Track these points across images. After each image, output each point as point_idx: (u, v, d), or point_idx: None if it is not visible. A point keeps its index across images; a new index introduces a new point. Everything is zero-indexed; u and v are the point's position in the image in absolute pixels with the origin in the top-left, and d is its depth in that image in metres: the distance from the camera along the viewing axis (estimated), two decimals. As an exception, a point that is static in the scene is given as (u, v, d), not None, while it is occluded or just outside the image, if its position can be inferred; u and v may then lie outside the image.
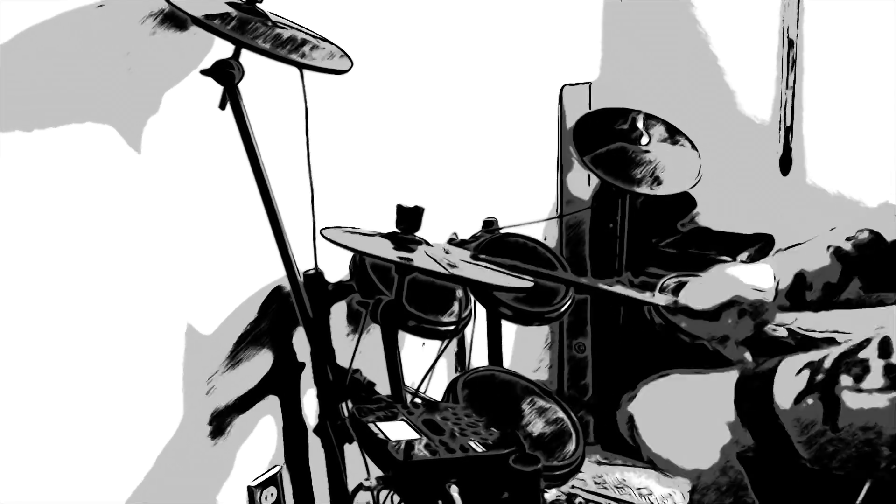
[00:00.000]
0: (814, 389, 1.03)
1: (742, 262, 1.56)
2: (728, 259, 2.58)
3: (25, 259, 1.46)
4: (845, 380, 1.01)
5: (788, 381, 1.06)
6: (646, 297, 1.61)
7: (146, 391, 1.69)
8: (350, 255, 1.84)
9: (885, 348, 1.01)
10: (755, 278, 1.48)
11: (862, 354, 1.02)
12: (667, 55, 2.85)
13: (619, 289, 1.62)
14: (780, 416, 1.05)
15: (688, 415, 1.17)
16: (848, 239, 1.50)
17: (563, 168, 2.79)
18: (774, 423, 1.05)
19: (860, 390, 1.00)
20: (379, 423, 1.29)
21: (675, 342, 1.60)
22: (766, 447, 1.07)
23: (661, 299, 1.59)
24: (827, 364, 1.04)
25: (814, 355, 1.06)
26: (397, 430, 1.28)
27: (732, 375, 1.13)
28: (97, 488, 1.61)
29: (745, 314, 1.49)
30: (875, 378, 0.99)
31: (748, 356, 1.50)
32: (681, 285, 1.57)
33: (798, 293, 1.50)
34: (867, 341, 1.02)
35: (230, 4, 1.58)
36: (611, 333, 2.78)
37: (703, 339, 1.55)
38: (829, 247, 1.49)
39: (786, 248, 1.60)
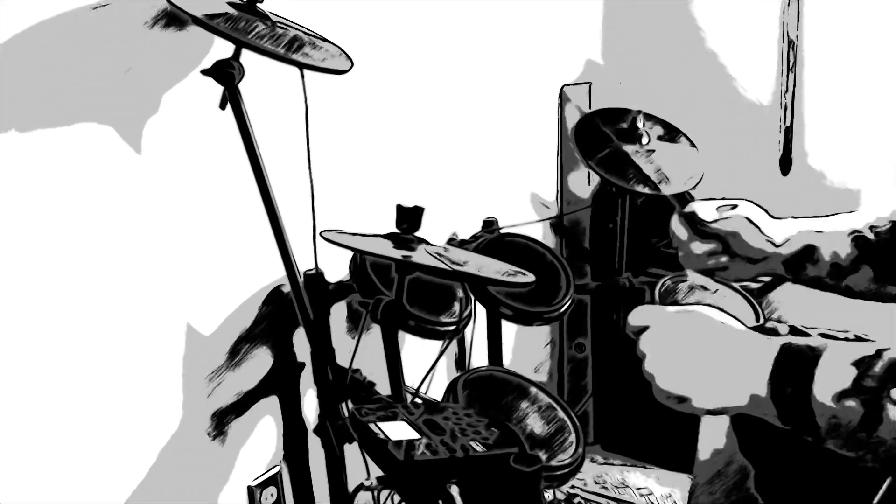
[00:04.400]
0: (858, 392, 0.95)
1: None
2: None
3: (25, 259, 1.46)
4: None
5: (832, 369, 0.98)
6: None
7: (146, 391, 1.69)
8: (350, 254, 1.84)
9: None
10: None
11: None
12: (667, 55, 2.85)
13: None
14: (816, 408, 0.97)
15: (712, 362, 1.05)
16: (871, 227, 1.43)
17: (564, 168, 2.79)
18: (807, 411, 0.97)
19: None
20: (379, 423, 1.29)
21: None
22: (792, 429, 1.00)
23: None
24: (878, 369, 0.96)
25: (866, 351, 0.97)
26: (398, 430, 1.28)
27: (774, 344, 1.03)
28: (97, 488, 1.61)
29: None
30: None
31: None
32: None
33: (800, 264, 1.44)
34: None
35: (230, 4, 1.58)
36: (611, 333, 2.78)
37: None
38: (850, 231, 1.43)
39: (809, 217, 1.53)
